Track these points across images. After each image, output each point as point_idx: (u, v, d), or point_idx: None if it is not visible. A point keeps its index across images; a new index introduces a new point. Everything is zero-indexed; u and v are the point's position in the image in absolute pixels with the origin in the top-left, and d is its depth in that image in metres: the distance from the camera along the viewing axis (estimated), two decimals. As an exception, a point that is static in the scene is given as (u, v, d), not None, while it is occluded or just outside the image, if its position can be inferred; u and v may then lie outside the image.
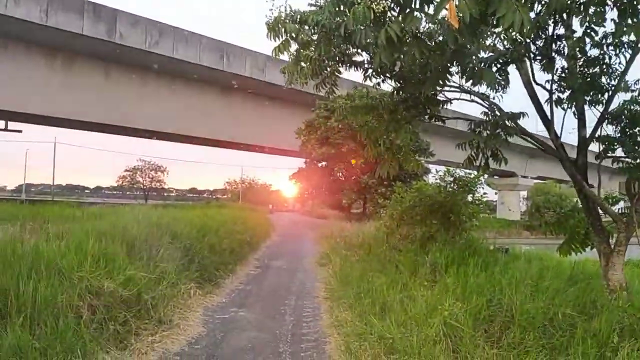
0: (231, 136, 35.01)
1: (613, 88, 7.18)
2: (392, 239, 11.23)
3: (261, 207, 51.05)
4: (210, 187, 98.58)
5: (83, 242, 6.42)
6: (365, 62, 7.05)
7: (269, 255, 15.00)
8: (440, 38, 5.69)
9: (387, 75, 7.31)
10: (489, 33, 6.44)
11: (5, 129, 31.21)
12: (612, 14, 5.64)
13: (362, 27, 4.70)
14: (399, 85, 7.52)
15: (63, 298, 5.10)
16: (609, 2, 5.46)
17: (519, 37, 6.59)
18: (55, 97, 28.08)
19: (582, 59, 7.29)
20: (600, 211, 7.33)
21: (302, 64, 6.38)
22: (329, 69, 6.81)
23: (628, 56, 6.99)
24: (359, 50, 6.62)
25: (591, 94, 7.31)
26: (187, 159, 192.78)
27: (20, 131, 32.04)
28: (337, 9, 4.89)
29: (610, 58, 7.10)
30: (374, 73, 7.18)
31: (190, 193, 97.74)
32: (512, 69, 7.34)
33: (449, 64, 5.94)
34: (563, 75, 7.38)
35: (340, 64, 6.95)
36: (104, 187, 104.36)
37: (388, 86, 7.77)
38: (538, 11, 5.91)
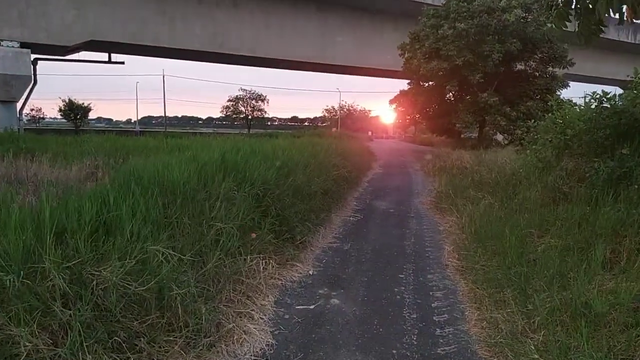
0: (329, 58, 31.72)
1: None
2: (550, 176, 7.62)
3: (360, 134, 48.18)
4: (310, 116, 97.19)
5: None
6: None
7: (372, 193, 12.10)
8: None
9: None
10: None
11: (109, 61, 30.91)
12: None
13: None
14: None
15: None
16: None
17: None
18: (149, 25, 26.67)
19: None
20: None
21: None
22: None
23: None
24: None
25: None
26: (288, 87, 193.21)
27: (122, 62, 31.62)
28: None
29: None
30: None
31: (291, 122, 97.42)
32: None
33: None
34: None
35: None
36: (214, 118, 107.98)
37: None
38: None
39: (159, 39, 27.12)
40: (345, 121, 59.98)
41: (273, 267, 5.17)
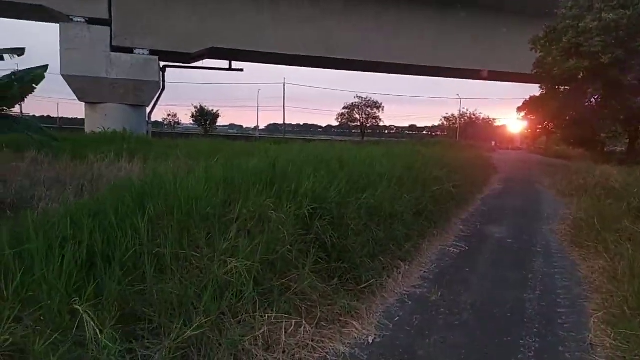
0: (445, 61, 28.94)
1: None
2: None
3: (482, 143, 44.04)
4: (429, 124, 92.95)
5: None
6: None
7: (485, 215, 9.65)
8: None
9: None
10: None
11: (230, 69, 31.72)
12: None
13: None
14: None
15: None
16: None
17: None
18: (265, 31, 26.61)
19: None
20: None
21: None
22: None
23: None
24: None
25: None
26: (405, 94, 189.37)
27: (242, 70, 32.28)
28: None
29: None
30: None
31: (409, 130, 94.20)
32: None
33: None
34: None
35: None
36: (333, 126, 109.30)
37: None
38: None
39: (273, 45, 26.90)
40: (466, 130, 55.58)
41: (308, 330, 3.39)
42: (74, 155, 11.00)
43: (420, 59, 28.76)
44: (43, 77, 8.92)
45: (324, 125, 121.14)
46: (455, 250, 6.56)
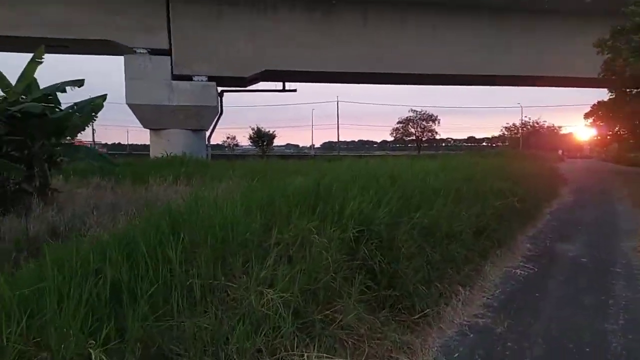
0: (503, 68, 27.74)
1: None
2: None
3: (548, 153, 41.71)
4: (489, 135, 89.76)
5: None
6: None
7: (555, 231, 8.83)
8: None
9: None
10: None
11: (283, 90, 32.23)
12: None
13: None
14: None
15: None
16: None
17: None
18: (317, 51, 26.80)
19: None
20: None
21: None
22: None
23: None
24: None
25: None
26: (463, 105, 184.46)
27: (295, 90, 32.71)
28: None
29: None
30: None
31: (466, 142, 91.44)
32: None
33: None
34: None
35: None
36: (388, 141, 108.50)
37: None
38: None
39: (325, 64, 26.99)
40: (529, 139, 52.89)
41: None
42: (134, 180, 11.36)
43: (475, 68, 27.78)
44: (102, 107, 9.27)
45: (379, 140, 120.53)
46: (523, 272, 5.93)
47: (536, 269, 6.09)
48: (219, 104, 28.30)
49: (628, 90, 20.79)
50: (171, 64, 25.65)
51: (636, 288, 5.31)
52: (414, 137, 51.90)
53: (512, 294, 5.11)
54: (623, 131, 24.93)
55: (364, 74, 28.39)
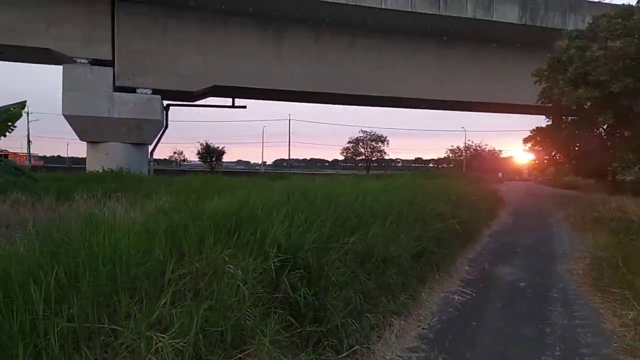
0: (451, 94, 28.53)
1: None
2: None
3: (489, 175, 43.20)
4: (435, 156, 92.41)
5: None
6: None
7: (494, 253, 8.77)
8: None
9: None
10: None
11: (233, 106, 31.60)
12: None
13: None
14: None
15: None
16: None
17: None
18: (266, 69, 26.47)
19: None
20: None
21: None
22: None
23: None
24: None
25: None
26: (412, 127, 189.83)
27: (244, 107, 32.16)
28: None
29: None
30: None
31: (414, 163, 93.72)
32: None
33: None
34: None
35: None
36: (340, 160, 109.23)
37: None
38: None
39: (276, 82, 26.70)
40: (472, 162, 54.78)
41: None
42: (59, 196, 10.42)
43: (425, 92, 28.40)
44: (20, 115, 8.42)
45: (330, 159, 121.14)
46: (461, 298, 5.71)
47: (474, 294, 5.89)
48: (164, 117, 27.28)
49: (564, 117, 21.79)
50: (114, 76, 24.49)
51: (572, 315, 5.19)
52: (363, 157, 52.39)
53: (449, 322, 4.83)
54: (559, 156, 26.06)
55: (315, 93, 28.34)
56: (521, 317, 5.06)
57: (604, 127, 18.78)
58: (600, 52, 15.87)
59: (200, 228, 3.53)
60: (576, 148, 21.89)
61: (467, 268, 7.35)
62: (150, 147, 27.67)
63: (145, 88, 24.80)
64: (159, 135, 27.43)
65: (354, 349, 3.61)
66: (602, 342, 4.36)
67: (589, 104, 16.90)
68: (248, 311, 3.02)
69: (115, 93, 24.34)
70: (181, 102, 29.09)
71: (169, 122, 28.17)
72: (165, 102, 27.45)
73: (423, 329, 4.60)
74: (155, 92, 25.00)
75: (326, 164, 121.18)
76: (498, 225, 12.63)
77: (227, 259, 3.25)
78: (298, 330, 3.38)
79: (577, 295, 6.04)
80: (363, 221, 5.43)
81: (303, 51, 26.87)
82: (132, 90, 24.72)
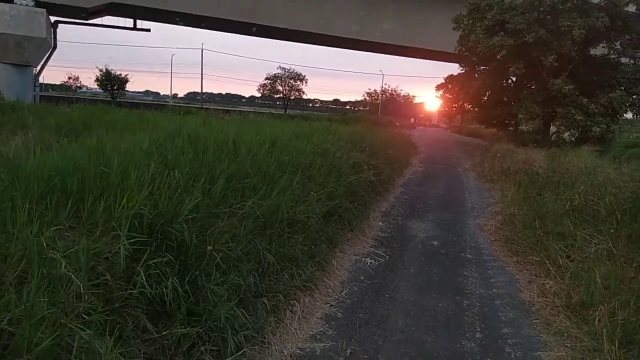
0: (371, 35, 27.55)
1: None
2: None
3: (403, 120, 44.12)
4: (352, 99, 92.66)
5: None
6: None
7: (407, 205, 8.36)
8: None
9: None
10: None
11: (134, 28, 28.18)
12: None
13: None
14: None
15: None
16: None
17: None
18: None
19: None
20: None
21: None
22: None
23: None
24: None
25: None
26: (330, 67, 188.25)
27: (148, 30, 28.92)
28: None
29: None
30: None
31: (333, 105, 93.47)
32: None
33: None
34: None
35: None
36: (257, 97, 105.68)
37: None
38: None
39: (184, 3, 23.87)
40: (387, 106, 55.51)
41: None
42: None
43: (344, 31, 27.14)
44: None
45: (247, 95, 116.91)
46: (373, 262, 5.10)
47: (387, 257, 5.33)
48: (51, 36, 23.49)
49: (477, 67, 21.98)
50: (-17, -20, 20.29)
51: (488, 282, 4.81)
52: (281, 95, 50.65)
53: (360, 295, 4.20)
54: (468, 104, 26.75)
55: (229, 21, 25.88)
56: (437, 287, 4.56)
57: (514, 78, 19.15)
58: (518, 1, 15.70)
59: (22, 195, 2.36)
60: (485, 97, 22.40)
61: (381, 224, 6.81)
62: (36, 71, 23.93)
63: (24, -1, 20.92)
64: (45, 57, 23.73)
65: (243, 350, 2.78)
66: (522, 318, 3.97)
67: (503, 52, 16.92)
68: (85, 318, 2.02)
69: (-15, 2, 20.31)
70: (73, 20, 25.16)
71: (57, 41, 24.35)
72: (53, 19, 23.55)
73: (331, 305, 3.90)
74: (38, 4, 21.22)
75: (243, 100, 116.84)
76: (411, 174, 12.42)
77: (54, 240, 2.16)
78: (162, 335, 2.46)
79: (491, 256, 5.73)
80: (267, 177, 4.50)
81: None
82: (8, 0, 20.74)
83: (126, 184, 2.80)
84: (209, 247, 2.95)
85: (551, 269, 4.71)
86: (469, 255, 5.71)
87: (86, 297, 2.14)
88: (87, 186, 2.72)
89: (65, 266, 2.11)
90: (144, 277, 2.35)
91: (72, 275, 2.13)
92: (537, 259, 5.09)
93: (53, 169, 2.78)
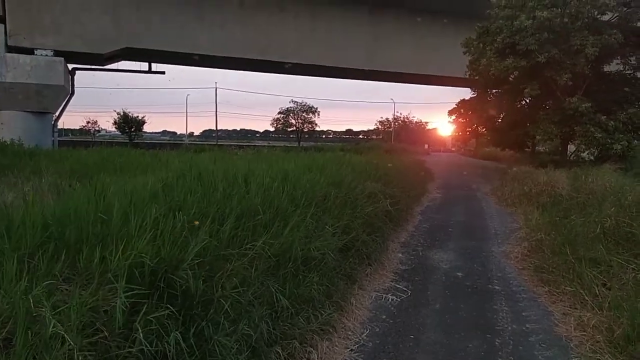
0: (381, 64, 27.70)
1: None
2: None
3: (416, 147, 43.98)
4: (365, 128, 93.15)
5: None
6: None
7: (427, 235, 8.04)
8: None
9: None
10: None
11: (150, 71, 28.85)
12: None
13: None
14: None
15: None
16: None
17: None
18: (187, 32, 24.08)
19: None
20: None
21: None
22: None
23: None
24: None
25: None
26: (342, 99, 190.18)
27: (163, 72, 29.50)
28: None
29: None
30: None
31: (345, 135, 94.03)
32: None
33: None
34: None
35: None
36: (271, 131, 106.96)
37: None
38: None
39: (197, 45, 24.44)
40: (400, 134, 55.46)
41: None
42: None
43: (354, 62, 27.36)
44: None
45: (261, 130, 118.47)
46: (395, 298, 4.81)
47: (409, 292, 5.03)
48: (70, 83, 24.17)
49: (489, 90, 21.81)
50: (5, 34, 21.08)
51: (520, 316, 4.46)
52: (294, 128, 51.06)
53: (382, 337, 3.89)
54: (482, 128, 26.47)
55: (240, 59, 26.33)
56: (465, 325, 4.23)
57: (528, 99, 18.89)
58: (528, 22, 15.63)
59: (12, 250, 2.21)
60: (499, 120, 22.12)
61: (401, 255, 6.52)
62: (55, 117, 24.54)
63: (45, 49, 21.64)
64: (63, 103, 24.36)
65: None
66: (561, 356, 3.62)
67: (516, 73, 16.74)
68: None
69: (8, 54, 21.09)
70: (89, 67, 25.94)
71: (75, 88, 25.01)
72: (70, 66, 24.29)
73: (352, 350, 3.61)
74: (57, 53, 21.93)
75: (257, 135, 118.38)
76: (428, 201, 12.10)
77: (34, 299, 1.97)
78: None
79: (521, 287, 5.37)
80: (279, 212, 4.30)
81: (227, 15, 24.67)
82: (29, 51, 21.50)
83: (126, 230, 2.63)
84: (217, 294, 2.74)
85: (587, 299, 4.36)
86: (496, 287, 5.36)
87: (80, 359, 1.94)
88: (84, 234, 2.55)
89: (55, 325, 1.92)
90: (141, 334, 2.14)
91: (65, 334, 1.94)
92: (571, 288, 4.74)
93: (50, 217, 2.63)
